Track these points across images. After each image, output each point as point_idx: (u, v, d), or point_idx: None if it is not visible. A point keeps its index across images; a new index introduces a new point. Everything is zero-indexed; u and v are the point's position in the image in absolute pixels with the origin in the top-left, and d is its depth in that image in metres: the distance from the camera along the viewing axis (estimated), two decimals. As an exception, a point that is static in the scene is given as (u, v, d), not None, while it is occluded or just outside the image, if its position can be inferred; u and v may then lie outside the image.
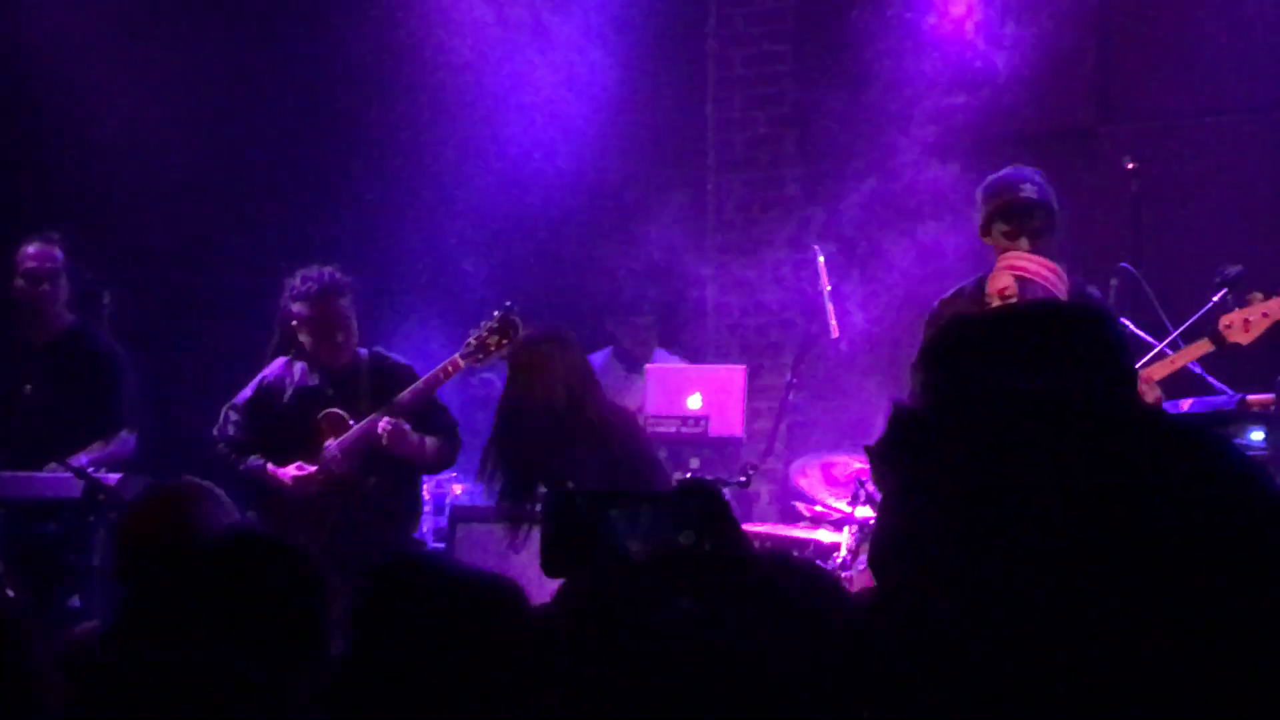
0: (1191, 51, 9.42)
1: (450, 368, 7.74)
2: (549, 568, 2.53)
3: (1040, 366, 2.54)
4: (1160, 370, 6.52)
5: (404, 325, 9.92)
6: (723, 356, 10.43)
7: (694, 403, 9.27)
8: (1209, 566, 2.02)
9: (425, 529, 9.14)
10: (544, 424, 7.14)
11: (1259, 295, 6.59)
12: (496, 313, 7.77)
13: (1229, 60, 9.33)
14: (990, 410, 1.98)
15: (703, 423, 9.22)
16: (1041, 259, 6.53)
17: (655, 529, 2.43)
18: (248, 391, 8.02)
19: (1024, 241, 6.89)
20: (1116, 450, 1.96)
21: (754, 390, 9.42)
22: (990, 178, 7.16)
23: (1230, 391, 7.69)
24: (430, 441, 7.84)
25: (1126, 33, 9.73)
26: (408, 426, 7.73)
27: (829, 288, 8.52)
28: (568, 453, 7.09)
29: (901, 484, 1.97)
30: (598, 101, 10.54)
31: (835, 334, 8.45)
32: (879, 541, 1.99)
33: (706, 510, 2.42)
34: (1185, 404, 7.71)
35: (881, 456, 2.02)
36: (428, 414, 7.87)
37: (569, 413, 7.15)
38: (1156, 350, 6.64)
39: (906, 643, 1.92)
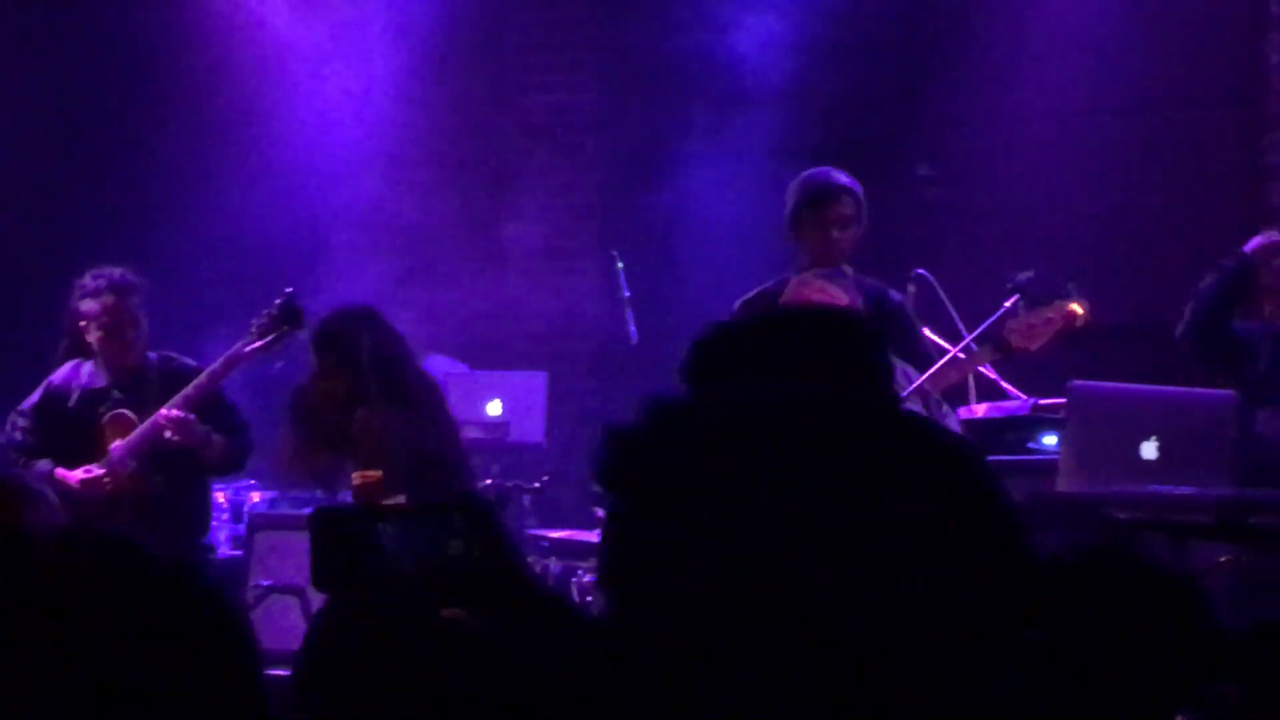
0: (985, 61, 9.55)
1: (234, 357, 7.60)
2: (318, 583, 2.48)
3: (785, 372, 2.56)
4: (948, 377, 6.57)
5: (200, 332, 9.75)
6: (524, 362, 10.39)
7: (494, 409, 9.25)
8: (935, 564, 2.02)
9: (223, 536, 9.00)
10: (341, 402, 7.08)
11: (1047, 300, 6.68)
12: (278, 300, 7.66)
13: (1026, 68, 9.47)
14: (724, 414, 1.96)
15: (503, 429, 9.20)
16: (832, 288, 6.34)
17: (424, 541, 2.40)
18: (34, 396, 7.86)
19: (834, 232, 6.89)
20: (850, 450, 1.95)
21: (555, 395, 9.39)
22: (800, 175, 7.20)
23: (1024, 397, 7.80)
24: (218, 438, 7.70)
25: (922, 44, 9.84)
26: (193, 417, 7.58)
27: (628, 294, 8.53)
28: (377, 422, 7.01)
29: (620, 502, 1.95)
30: (398, 104, 10.49)
31: (634, 339, 8.45)
32: (602, 560, 1.97)
33: (475, 521, 2.39)
34: (980, 409, 7.81)
35: (600, 478, 2.01)
36: (215, 410, 7.71)
37: (376, 386, 7.07)
38: (949, 356, 6.69)
39: (635, 662, 1.91)
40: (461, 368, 9.78)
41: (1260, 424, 6.85)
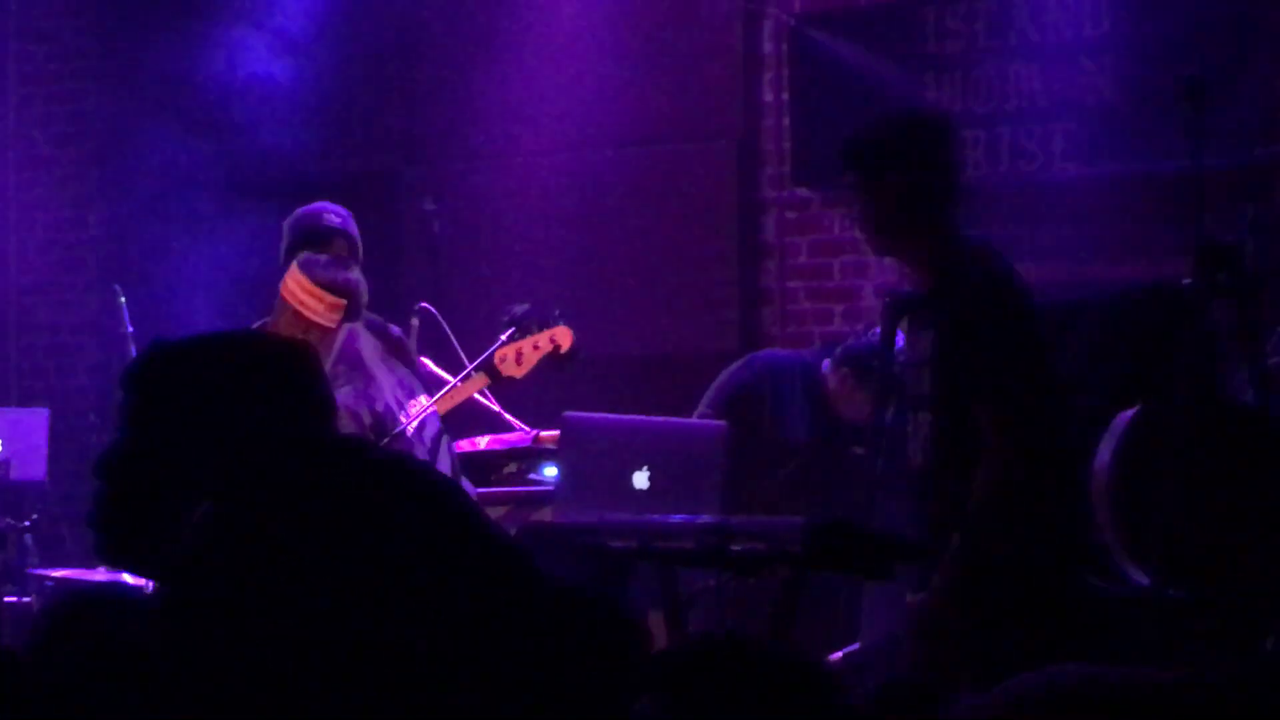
0: (491, 94, 9.66)
1: None
2: None
3: (236, 395, 2.58)
4: (442, 406, 6.64)
5: None
6: (25, 400, 10.13)
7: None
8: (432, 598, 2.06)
9: None
10: None
11: (535, 328, 6.83)
12: None
13: (529, 103, 9.61)
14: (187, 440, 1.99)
15: (3, 467, 8.96)
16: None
17: None
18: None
19: None
20: (306, 479, 1.99)
21: (57, 434, 9.19)
22: (295, 212, 7.16)
23: (527, 428, 7.92)
24: None
25: (426, 76, 9.91)
26: None
27: (131, 329, 8.39)
28: None
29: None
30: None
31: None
32: None
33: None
34: (483, 441, 7.90)
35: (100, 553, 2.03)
36: None
37: None
38: (449, 387, 6.78)
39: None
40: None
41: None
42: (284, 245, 6.97)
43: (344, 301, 6.17)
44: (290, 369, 2.67)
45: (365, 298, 6.31)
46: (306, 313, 6.16)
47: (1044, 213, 8.46)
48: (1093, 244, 8.42)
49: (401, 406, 6.45)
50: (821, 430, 7.60)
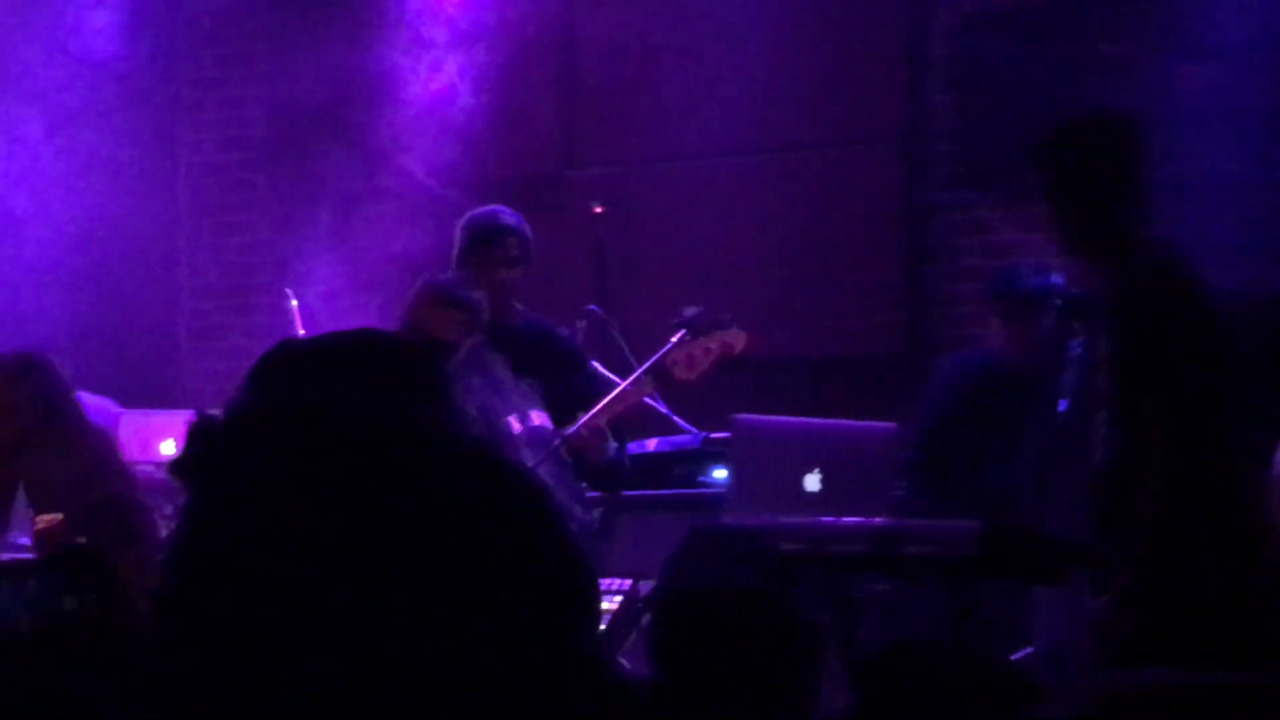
0: (656, 98, 9.68)
1: None
2: None
3: (346, 388, 2.62)
4: (612, 410, 6.66)
5: None
6: (197, 403, 10.25)
7: (167, 448, 9.11)
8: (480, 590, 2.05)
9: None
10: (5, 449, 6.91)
11: (707, 331, 6.80)
12: None
13: (692, 107, 9.61)
14: (283, 423, 1.99)
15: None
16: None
17: (38, 598, 2.37)
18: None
19: (501, 271, 6.98)
20: (398, 468, 1.97)
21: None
22: (468, 214, 7.24)
23: (696, 431, 7.92)
24: None
25: (590, 81, 9.95)
26: None
27: (303, 332, 8.47)
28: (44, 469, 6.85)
29: (194, 498, 1.98)
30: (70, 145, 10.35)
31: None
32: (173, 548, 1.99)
33: (86, 573, 2.37)
34: (651, 443, 7.92)
35: (178, 469, 2.03)
36: None
37: (44, 433, 6.91)
38: (618, 390, 6.79)
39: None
40: (112, 406, 9.60)
41: None
42: (458, 247, 7.07)
43: (466, 316, 6.60)
44: (413, 367, 2.71)
45: (487, 314, 6.68)
46: (432, 329, 6.55)
47: (1214, 215, 8.35)
48: (1264, 246, 8.31)
49: (523, 417, 6.63)
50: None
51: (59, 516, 6.65)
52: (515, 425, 6.67)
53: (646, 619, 3.26)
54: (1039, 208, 5.43)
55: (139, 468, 8.29)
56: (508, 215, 7.10)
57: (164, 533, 7.99)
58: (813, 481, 6.39)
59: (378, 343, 2.78)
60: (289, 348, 2.80)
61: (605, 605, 5.52)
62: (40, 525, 6.68)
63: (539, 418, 6.73)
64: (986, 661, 2.74)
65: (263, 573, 1.86)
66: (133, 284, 10.66)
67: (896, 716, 2.70)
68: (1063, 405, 6.14)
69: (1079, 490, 5.63)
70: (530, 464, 6.40)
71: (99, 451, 7.17)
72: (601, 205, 8.78)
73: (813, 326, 9.24)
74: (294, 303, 8.48)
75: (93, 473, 6.90)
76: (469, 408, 6.52)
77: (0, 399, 6.89)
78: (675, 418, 7.87)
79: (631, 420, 7.00)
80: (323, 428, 1.92)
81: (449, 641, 1.85)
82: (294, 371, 2.73)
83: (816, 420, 6.91)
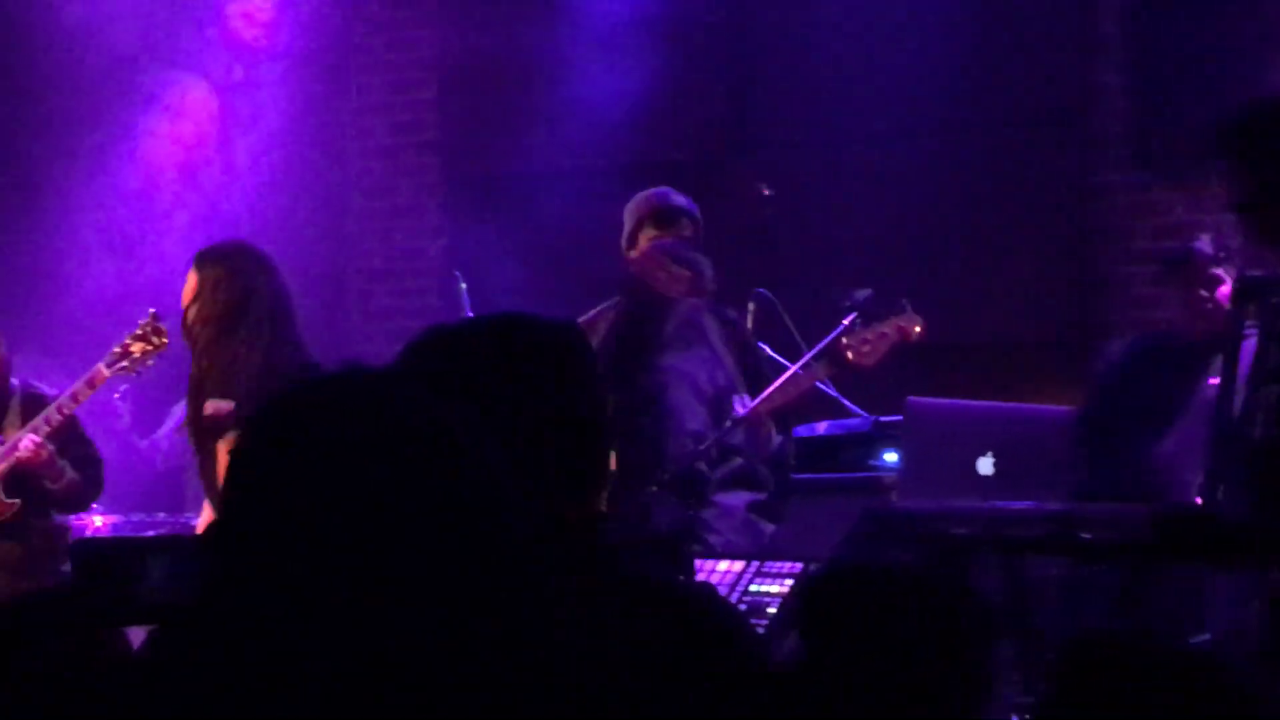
0: (824, 81, 9.64)
1: (94, 377, 7.48)
2: (83, 616, 2.44)
3: (507, 376, 2.65)
4: (785, 394, 6.63)
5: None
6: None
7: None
8: None
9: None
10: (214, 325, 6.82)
11: (882, 316, 6.74)
12: (142, 320, 7.56)
13: (861, 90, 9.56)
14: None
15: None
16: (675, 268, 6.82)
17: (194, 571, 2.37)
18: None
19: None
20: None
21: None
22: (637, 195, 7.21)
23: (865, 414, 7.88)
24: (70, 473, 7.56)
25: (759, 64, 9.92)
26: (53, 446, 7.45)
27: (471, 315, 8.50)
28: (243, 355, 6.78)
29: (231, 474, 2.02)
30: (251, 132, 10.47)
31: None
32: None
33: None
34: (821, 426, 7.89)
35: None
36: (68, 443, 7.58)
37: (263, 322, 6.83)
38: (789, 374, 6.75)
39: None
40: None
41: None
42: (629, 227, 7.06)
43: (691, 274, 6.77)
44: (556, 351, 2.73)
45: (713, 282, 6.81)
46: (659, 286, 6.75)
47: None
48: None
49: (740, 394, 6.58)
50: None
51: (230, 404, 6.65)
52: (739, 408, 6.63)
53: (805, 601, 3.23)
54: (1215, 190, 5.34)
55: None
56: (678, 196, 7.08)
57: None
58: (985, 465, 6.34)
59: (522, 326, 2.80)
60: (438, 330, 2.83)
61: (775, 589, 5.50)
62: (210, 410, 6.67)
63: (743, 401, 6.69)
64: (1190, 653, 2.69)
65: (268, 569, 1.89)
66: (301, 263, 10.76)
67: (1096, 710, 2.65)
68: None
69: (1239, 467, 5.53)
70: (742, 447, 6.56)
71: (284, 354, 6.94)
72: (770, 188, 8.75)
73: (984, 310, 9.16)
74: (463, 285, 8.52)
75: (274, 369, 6.72)
76: (701, 373, 6.67)
77: (202, 279, 6.79)
78: (845, 400, 7.83)
79: (798, 406, 6.95)
80: (348, 418, 1.94)
81: (449, 642, 1.86)
82: (438, 353, 2.76)
83: (989, 403, 6.85)
